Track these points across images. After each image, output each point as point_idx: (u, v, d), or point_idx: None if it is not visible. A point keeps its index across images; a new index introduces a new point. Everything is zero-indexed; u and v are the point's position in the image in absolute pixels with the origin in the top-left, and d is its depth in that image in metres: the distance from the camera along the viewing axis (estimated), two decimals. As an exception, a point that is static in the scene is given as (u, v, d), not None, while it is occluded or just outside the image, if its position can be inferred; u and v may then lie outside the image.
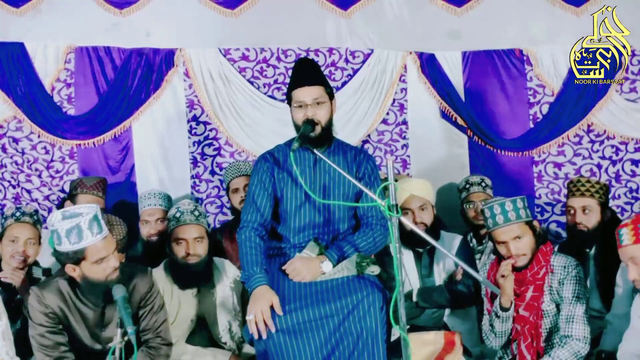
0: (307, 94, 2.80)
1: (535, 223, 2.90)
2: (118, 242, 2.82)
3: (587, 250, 3.34)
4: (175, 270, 3.16)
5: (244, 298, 3.27)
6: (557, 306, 2.85)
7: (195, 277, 3.16)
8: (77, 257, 2.53)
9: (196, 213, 3.20)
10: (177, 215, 3.18)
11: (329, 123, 2.86)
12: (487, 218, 2.88)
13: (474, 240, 3.84)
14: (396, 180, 2.46)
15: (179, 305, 3.13)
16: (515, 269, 2.85)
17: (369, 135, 4.29)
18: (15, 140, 4.14)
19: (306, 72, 2.86)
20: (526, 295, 2.85)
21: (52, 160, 4.18)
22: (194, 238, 3.14)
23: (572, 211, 3.37)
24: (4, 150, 4.14)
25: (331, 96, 2.88)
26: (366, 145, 4.30)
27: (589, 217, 3.31)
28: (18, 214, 3.27)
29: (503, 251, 2.87)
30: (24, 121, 4.12)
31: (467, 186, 3.90)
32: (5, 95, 4.09)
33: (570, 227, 3.42)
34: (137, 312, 2.76)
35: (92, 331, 2.72)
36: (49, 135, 4.13)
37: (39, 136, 4.14)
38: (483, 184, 3.88)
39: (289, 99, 2.88)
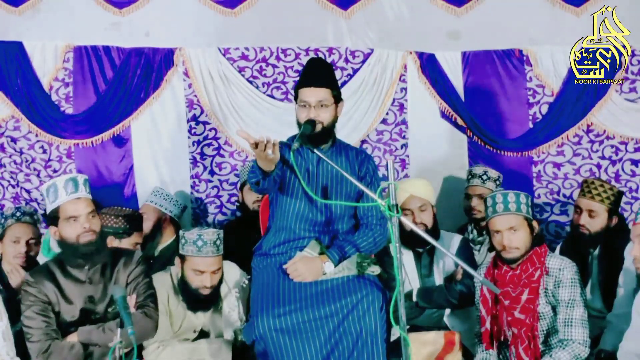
0: (313, 95, 2.79)
1: (535, 224, 2.88)
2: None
3: (591, 249, 3.32)
4: (186, 294, 3.07)
5: (248, 304, 3.21)
6: (553, 308, 2.82)
7: (206, 303, 3.09)
8: (55, 216, 2.72)
9: (217, 242, 3.02)
10: (199, 244, 2.98)
11: (331, 125, 2.86)
12: (488, 207, 2.87)
13: (475, 232, 3.82)
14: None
15: (184, 314, 3.09)
16: (506, 261, 2.84)
17: (368, 135, 4.28)
18: (14, 140, 4.13)
19: (316, 72, 2.85)
20: (521, 298, 2.82)
21: (49, 160, 4.16)
22: (212, 271, 3.02)
23: (578, 211, 3.34)
24: (3, 149, 4.12)
25: (337, 99, 2.86)
26: (365, 145, 4.28)
27: (594, 222, 3.28)
28: (18, 214, 3.30)
29: (497, 241, 2.84)
30: (22, 120, 4.10)
31: (469, 177, 3.87)
32: (3, 94, 4.07)
33: (573, 225, 3.40)
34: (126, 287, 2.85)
35: (81, 308, 2.79)
36: (47, 135, 4.12)
37: (36, 135, 4.13)
38: (484, 177, 3.80)
39: (295, 96, 2.88)
